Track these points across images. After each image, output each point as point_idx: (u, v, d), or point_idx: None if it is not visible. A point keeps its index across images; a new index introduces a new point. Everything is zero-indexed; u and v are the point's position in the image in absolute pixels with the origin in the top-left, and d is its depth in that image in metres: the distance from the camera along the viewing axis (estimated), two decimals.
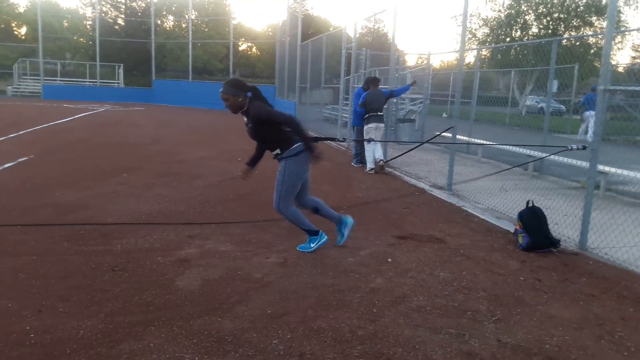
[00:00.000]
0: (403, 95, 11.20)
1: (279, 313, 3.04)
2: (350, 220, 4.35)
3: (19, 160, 7.59)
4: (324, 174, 7.88)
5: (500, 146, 9.14)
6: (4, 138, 10.27)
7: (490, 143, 8.71)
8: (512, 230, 4.87)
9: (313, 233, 4.17)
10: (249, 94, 3.88)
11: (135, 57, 30.56)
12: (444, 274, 3.79)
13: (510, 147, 8.68)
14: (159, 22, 32.97)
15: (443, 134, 9.26)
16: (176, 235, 4.47)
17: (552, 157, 7.62)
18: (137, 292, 3.26)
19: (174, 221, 4.89)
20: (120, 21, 36.08)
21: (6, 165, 7.19)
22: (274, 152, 4.00)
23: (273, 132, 3.91)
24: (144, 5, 36.06)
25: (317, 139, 4.30)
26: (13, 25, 39.74)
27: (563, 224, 5.03)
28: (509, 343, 2.78)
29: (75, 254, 3.87)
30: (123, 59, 29.09)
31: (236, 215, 5.25)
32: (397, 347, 2.68)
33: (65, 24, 36.00)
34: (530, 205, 4.66)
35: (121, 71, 28.47)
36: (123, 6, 36.41)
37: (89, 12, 37.97)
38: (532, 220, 4.47)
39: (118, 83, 28.68)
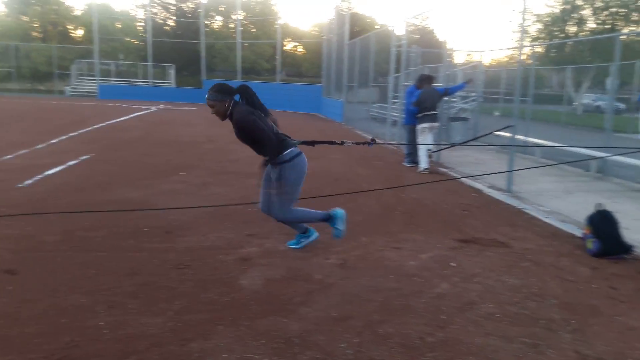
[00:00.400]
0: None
1: (343, 316, 3.00)
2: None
3: (81, 158, 7.89)
4: (375, 173, 7.80)
5: (562, 147, 8.78)
6: (66, 136, 10.71)
7: (553, 144, 8.39)
8: (579, 234, 4.65)
9: (329, 220, 4.04)
10: (237, 97, 3.70)
11: (185, 58, 31.29)
12: (511, 280, 3.65)
13: (570, 147, 8.33)
14: (207, 22, 33.61)
15: (499, 133, 9.00)
16: (236, 233, 4.51)
17: (616, 157, 7.26)
18: (202, 290, 3.30)
19: (232, 219, 4.94)
20: (170, 22, 37.05)
21: (70, 163, 7.48)
22: (266, 157, 3.73)
23: (258, 137, 3.62)
24: (193, 6, 36.91)
25: (313, 143, 4.15)
26: (70, 27, 41.51)
27: (634, 228, 4.76)
28: (590, 356, 2.63)
29: (140, 251, 3.96)
30: (174, 59, 29.84)
31: None
32: (470, 356, 2.59)
33: (119, 25, 37.31)
34: (601, 208, 4.43)
35: (172, 71, 29.23)
36: (173, 8, 37.36)
37: (140, 14, 39.29)
38: (604, 224, 4.25)
39: (170, 83, 29.45)
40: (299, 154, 3.78)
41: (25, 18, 38.95)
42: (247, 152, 9.30)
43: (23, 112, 17.08)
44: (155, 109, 20.62)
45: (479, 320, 3.01)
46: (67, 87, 29.28)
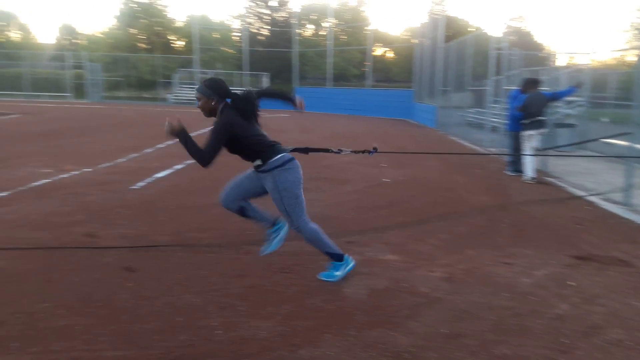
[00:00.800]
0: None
1: (454, 333, 2.85)
2: (286, 227, 3.68)
3: (186, 162, 8.32)
4: (475, 182, 7.48)
5: None
6: (172, 141, 11.39)
7: None
8: None
9: (337, 257, 3.52)
10: (228, 100, 3.39)
11: (278, 66, 32.26)
12: (639, 304, 3.29)
13: None
14: (299, 31, 34.42)
15: (611, 140, 8.28)
16: (335, 240, 4.47)
17: None
18: (308, 295, 3.30)
19: (330, 226, 4.93)
20: (264, 32, 38.40)
21: (176, 167, 7.91)
22: (255, 164, 3.47)
23: (247, 141, 3.36)
24: (286, 15, 38.03)
25: (307, 150, 3.87)
26: (172, 38, 44.42)
27: None
28: None
29: (246, 253, 4.06)
30: (267, 67, 30.87)
31: (389, 223, 5.15)
32: None
33: (216, 35, 39.31)
34: None
35: (267, 79, 30.24)
36: (267, 17, 38.71)
37: (235, 24, 41.17)
38: None
39: None
40: (291, 159, 3.45)
41: (133, 31, 42.27)
42: (340, 158, 9.38)
43: (131, 118, 18.45)
44: None
45: (607, 347, 2.73)
46: (169, 95, 31.28)
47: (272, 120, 19.39)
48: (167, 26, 43.51)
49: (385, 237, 4.65)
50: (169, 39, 44.06)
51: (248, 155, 3.45)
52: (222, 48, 38.37)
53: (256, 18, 39.08)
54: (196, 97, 3.39)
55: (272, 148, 3.42)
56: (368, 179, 7.50)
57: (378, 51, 42.01)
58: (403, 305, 3.20)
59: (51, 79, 33.02)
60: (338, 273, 3.54)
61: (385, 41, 41.24)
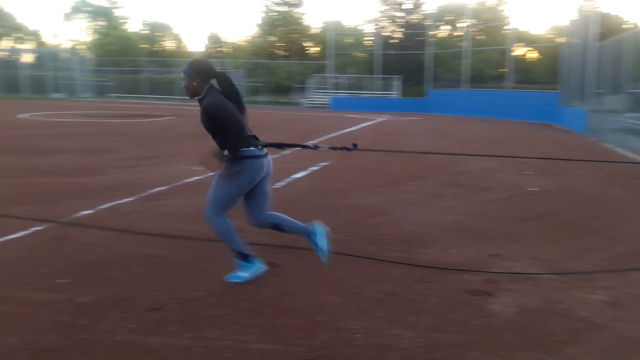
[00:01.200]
0: None
1: None
2: (320, 228, 3.47)
3: (321, 164, 8.52)
4: (637, 196, 6.61)
5: None
6: (303, 146, 11.78)
7: None
8: None
9: (243, 257, 3.40)
10: (214, 81, 3.28)
11: (410, 69, 31.89)
12: None
13: None
14: (432, 32, 33.66)
15: None
16: (477, 252, 4.24)
17: None
18: (449, 308, 3.13)
19: (470, 235, 4.67)
20: (397, 34, 38.23)
21: (312, 168, 8.14)
22: (224, 152, 3.33)
23: (224, 129, 3.22)
24: (420, 17, 37.46)
25: (282, 145, 3.71)
26: (307, 45, 46.24)
27: None
28: None
29: (381, 258, 3.99)
30: (399, 70, 30.66)
31: (538, 236, 4.73)
32: None
33: (350, 40, 40.04)
34: None
35: (398, 82, 30.06)
36: (401, 20, 38.48)
37: (367, 29, 41.55)
38: None
39: (395, 94, 30.33)
40: (260, 156, 3.30)
41: (272, 38, 44.81)
42: (477, 163, 8.93)
43: (270, 121, 19.48)
44: (381, 119, 21.41)
45: None
46: (302, 100, 32.56)
47: (403, 124, 19.18)
48: (303, 33, 45.43)
49: (535, 251, 4.27)
50: (304, 45, 45.96)
51: (222, 141, 3.33)
52: (353, 53, 38.99)
53: (390, 21, 39.08)
54: (182, 78, 3.31)
55: (246, 141, 3.28)
56: (511, 187, 7.01)
57: (519, 51, 39.49)
58: (559, 329, 2.88)
59: None
60: (245, 274, 3.42)
61: (527, 40, 38.61)
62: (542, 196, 6.56)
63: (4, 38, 51.73)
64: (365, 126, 17.70)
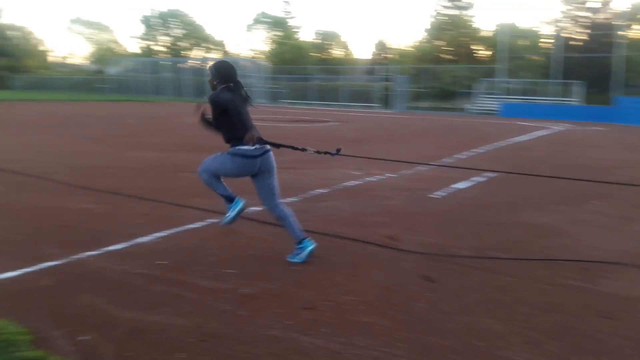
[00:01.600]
0: None
1: None
2: (310, 245, 3.83)
3: (486, 175, 7.99)
4: None
5: None
6: (470, 152, 11.21)
7: None
8: None
9: (229, 200, 3.78)
10: (228, 85, 3.62)
11: (595, 73, 28.54)
12: None
13: None
14: (622, 33, 29.62)
15: None
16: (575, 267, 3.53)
17: None
18: (634, 352, 2.63)
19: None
20: (581, 36, 34.53)
21: (475, 179, 7.65)
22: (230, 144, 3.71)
23: (233, 119, 3.57)
24: (609, 16, 33.30)
25: (278, 145, 3.91)
26: (476, 48, 44.25)
27: None
28: None
29: (555, 285, 3.54)
30: (581, 75, 27.62)
31: None
32: None
33: (526, 42, 37.31)
34: None
35: (580, 88, 27.12)
36: (586, 20, 34.66)
37: (545, 30, 38.23)
38: None
39: (576, 101, 27.41)
40: (251, 157, 3.63)
41: (439, 42, 43.85)
42: None
43: (427, 128, 19.04)
44: (558, 128, 19.50)
45: None
46: (467, 105, 31.20)
47: (586, 135, 17.17)
48: (473, 36, 43.65)
49: None
50: (472, 49, 44.13)
51: (226, 134, 3.67)
52: (528, 56, 36.25)
53: (572, 22, 35.46)
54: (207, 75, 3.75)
55: (242, 138, 3.57)
56: None
57: None
58: None
59: (362, 90, 37.10)
60: (232, 214, 3.77)
61: None
62: None
63: (195, 48, 59.13)
64: (540, 135, 16.24)
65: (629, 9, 33.07)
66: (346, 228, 4.80)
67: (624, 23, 30.16)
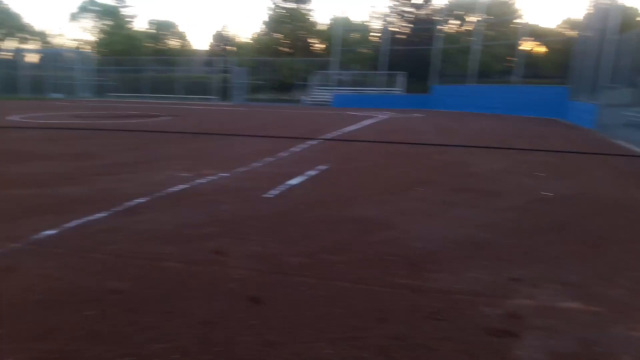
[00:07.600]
0: None
1: None
2: None
3: (319, 168, 7.94)
4: None
5: None
6: (307, 145, 11.21)
7: None
8: None
9: None
10: None
11: (416, 64, 31.26)
12: None
13: None
14: (441, 27, 32.91)
15: None
16: (494, 275, 3.66)
17: None
18: (468, 356, 2.56)
19: (485, 254, 4.10)
20: (404, 30, 37.59)
21: (310, 173, 7.55)
22: None
23: None
24: (430, 12, 36.78)
25: None
26: (312, 42, 45.63)
27: None
28: None
29: (386, 286, 3.42)
30: (405, 66, 30.00)
31: (561, 252, 4.16)
32: None
33: (357, 36, 39.44)
34: None
35: (403, 78, 29.39)
36: (410, 15, 37.85)
37: (374, 24, 40.88)
38: None
39: (399, 90, 29.66)
40: None
41: (278, 35, 44.23)
42: (487, 165, 8.35)
43: (265, 120, 18.91)
44: (383, 116, 20.80)
45: None
46: (303, 97, 31.99)
47: (406, 121, 18.56)
48: (310, 30, 44.84)
49: (559, 273, 3.70)
50: (309, 42, 45.36)
51: None
52: (359, 49, 38.35)
53: (398, 17, 38.47)
54: None
55: None
56: (525, 192, 6.45)
57: (528, 46, 38.72)
58: None
59: (200, 82, 35.80)
60: None
61: (536, 34, 37.83)
62: (558, 202, 5.99)
63: (7, 38, 51.52)
64: (368, 124, 17.09)
65: (446, 6, 36.88)
66: (166, 246, 4.13)
67: (442, 18, 33.44)
